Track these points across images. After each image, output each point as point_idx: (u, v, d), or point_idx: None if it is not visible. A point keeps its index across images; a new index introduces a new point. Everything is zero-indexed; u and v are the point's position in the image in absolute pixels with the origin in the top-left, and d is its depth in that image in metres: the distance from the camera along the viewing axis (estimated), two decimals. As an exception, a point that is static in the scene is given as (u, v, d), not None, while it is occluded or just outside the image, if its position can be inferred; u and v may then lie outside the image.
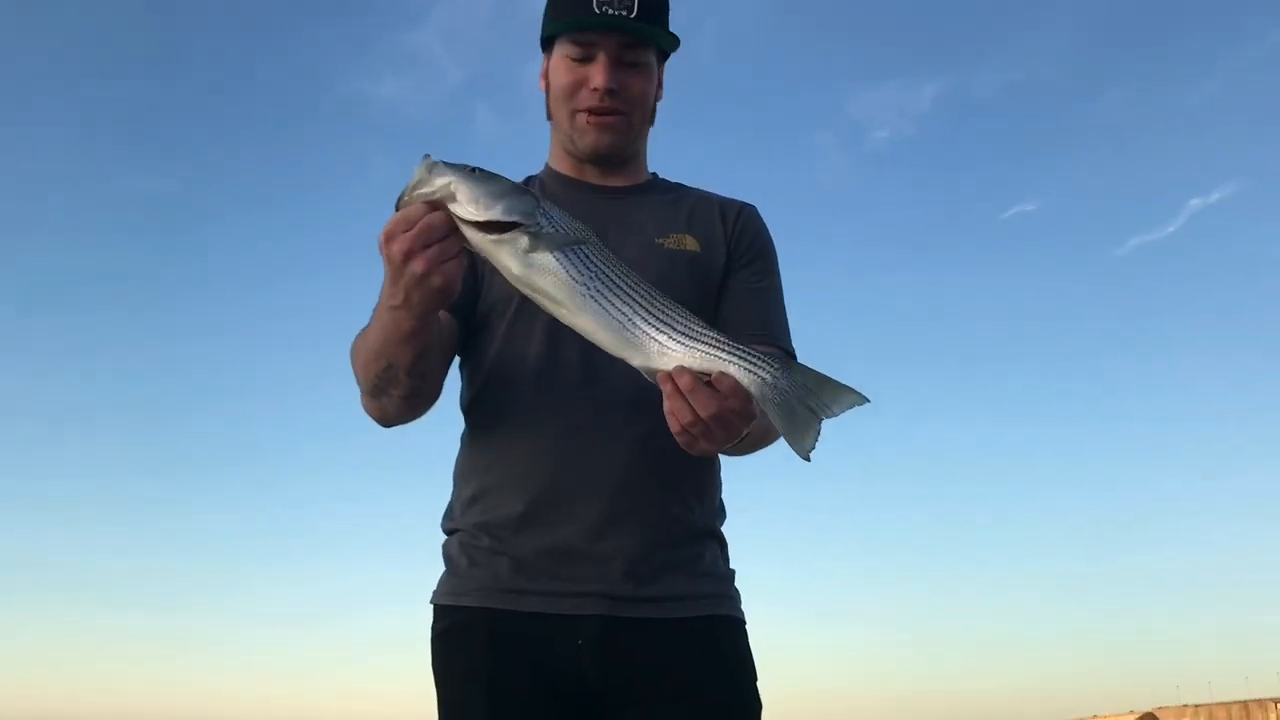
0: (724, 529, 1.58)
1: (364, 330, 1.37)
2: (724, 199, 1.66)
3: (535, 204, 1.20)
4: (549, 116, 1.62)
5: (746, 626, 1.54)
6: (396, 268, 1.18)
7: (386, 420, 1.43)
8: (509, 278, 1.21)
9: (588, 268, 1.20)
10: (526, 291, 1.21)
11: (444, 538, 1.56)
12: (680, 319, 1.22)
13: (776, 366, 1.19)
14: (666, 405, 1.20)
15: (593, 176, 1.61)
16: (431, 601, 1.52)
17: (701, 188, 1.69)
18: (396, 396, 1.36)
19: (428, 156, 1.18)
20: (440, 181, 1.17)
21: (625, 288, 1.22)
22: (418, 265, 1.16)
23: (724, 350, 1.20)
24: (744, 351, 1.20)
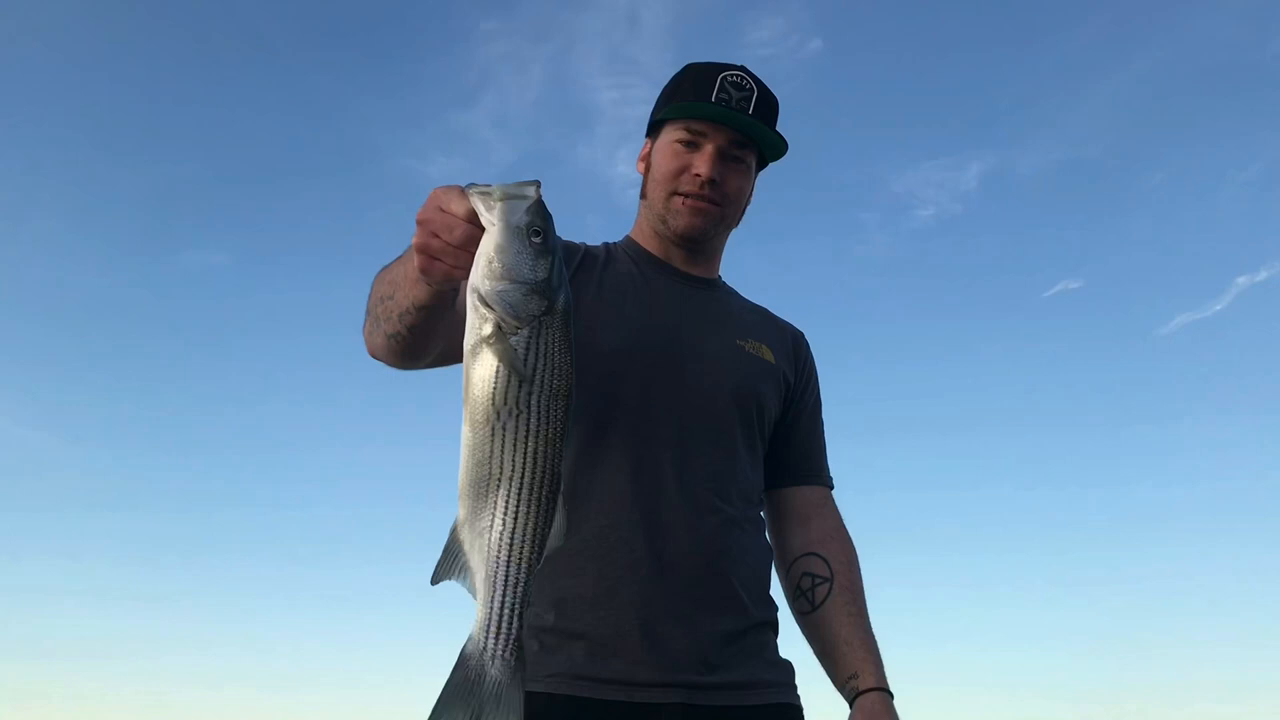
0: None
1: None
2: (781, 320, 1.75)
3: (539, 312, 1.05)
4: (643, 195, 1.65)
5: (804, 715, 1.53)
6: (418, 221, 1.12)
7: (369, 345, 1.38)
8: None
9: (517, 407, 1.05)
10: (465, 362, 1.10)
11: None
12: (519, 555, 1.07)
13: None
14: None
15: (677, 261, 1.63)
16: None
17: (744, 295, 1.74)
18: (381, 331, 1.31)
19: (538, 185, 1.08)
20: (493, 216, 1.05)
21: (532, 464, 1.05)
22: (417, 236, 1.11)
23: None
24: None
